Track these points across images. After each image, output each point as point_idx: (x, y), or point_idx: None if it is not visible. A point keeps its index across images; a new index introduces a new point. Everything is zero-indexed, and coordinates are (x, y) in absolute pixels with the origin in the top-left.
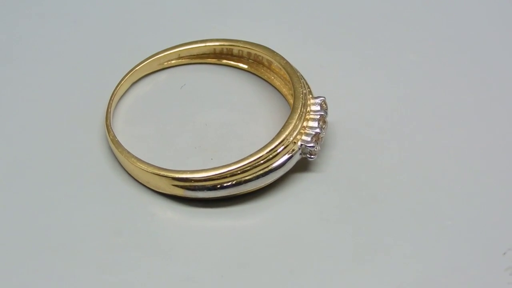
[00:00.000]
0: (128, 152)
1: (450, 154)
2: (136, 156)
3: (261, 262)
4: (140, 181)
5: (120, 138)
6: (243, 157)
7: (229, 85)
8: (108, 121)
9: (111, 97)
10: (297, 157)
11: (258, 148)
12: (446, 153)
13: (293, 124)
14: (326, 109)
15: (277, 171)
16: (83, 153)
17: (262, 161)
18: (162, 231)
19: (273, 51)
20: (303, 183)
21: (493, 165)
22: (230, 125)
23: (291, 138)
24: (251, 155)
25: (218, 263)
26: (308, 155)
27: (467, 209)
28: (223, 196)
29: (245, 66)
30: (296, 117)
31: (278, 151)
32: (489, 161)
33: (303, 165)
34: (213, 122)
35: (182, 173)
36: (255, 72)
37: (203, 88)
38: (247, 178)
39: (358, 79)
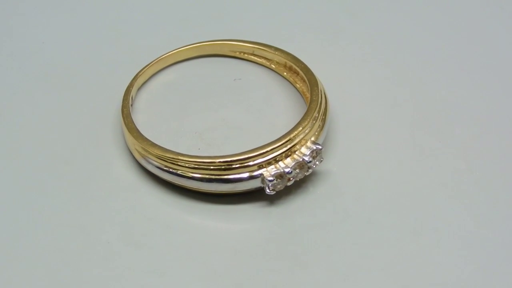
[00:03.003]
0: (127, 102)
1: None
2: (129, 109)
3: (153, 250)
4: (124, 135)
5: (142, 95)
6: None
7: (276, 98)
8: (137, 75)
9: (159, 57)
10: (254, 184)
11: None
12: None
13: (264, 150)
14: (316, 158)
15: (224, 184)
16: (101, 96)
17: (212, 167)
18: (99, 179)
19: (316, 83)
20: (248, 210)
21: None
22: (243, 129)
23: (255, 162)
24: (206, 157)
25: (118, 232)
26: (266, 187)
27: None
28: (168, 181)
29: (298, 87)
30: (273, 146)
31: (233, 166)
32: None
33: (264, 195)
34: (230, 121)
35: (143, 142)
36: (304, 97)
37: (250, 90)
38: (189, 175)
39: (392, 153)
